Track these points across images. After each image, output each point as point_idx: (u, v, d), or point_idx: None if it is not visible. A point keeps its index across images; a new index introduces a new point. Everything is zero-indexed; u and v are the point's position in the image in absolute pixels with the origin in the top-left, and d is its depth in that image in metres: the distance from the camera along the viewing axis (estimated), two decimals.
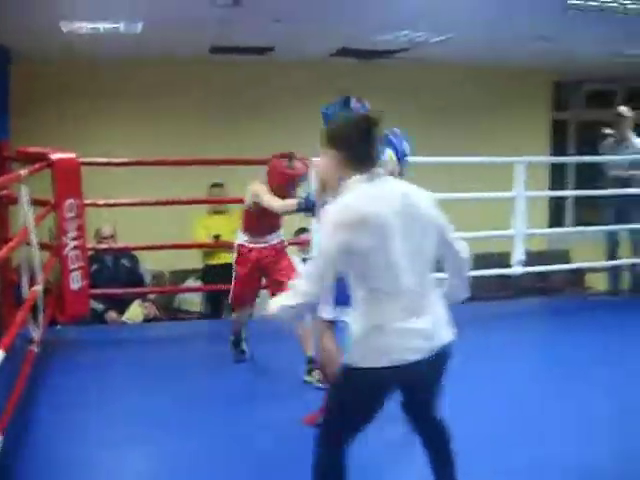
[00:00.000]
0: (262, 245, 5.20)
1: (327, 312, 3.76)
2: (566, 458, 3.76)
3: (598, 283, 8.75)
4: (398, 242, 2.66)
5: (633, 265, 7.74)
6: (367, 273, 2.68)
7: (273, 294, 4.88)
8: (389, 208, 2.70)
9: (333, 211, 2.72)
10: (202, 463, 3.73)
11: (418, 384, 2.84)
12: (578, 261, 9.29)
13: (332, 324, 3.80)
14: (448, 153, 7.79)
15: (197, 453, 3.85)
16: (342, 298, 3.18)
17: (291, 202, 4.76)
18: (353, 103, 3.71)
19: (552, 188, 10.96)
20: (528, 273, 7.47)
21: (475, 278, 6.03)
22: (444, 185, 7.00)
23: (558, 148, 11.55)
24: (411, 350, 2.66)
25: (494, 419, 4.27)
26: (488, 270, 7.23)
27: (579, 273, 10.17)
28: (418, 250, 2.73)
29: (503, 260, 7.55)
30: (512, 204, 7.18)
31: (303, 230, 7.07)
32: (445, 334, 2.77)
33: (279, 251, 5.26)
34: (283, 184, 4.96)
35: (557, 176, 11.36)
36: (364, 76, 9.50)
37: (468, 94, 10.28)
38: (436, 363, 2.75)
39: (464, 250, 2.96)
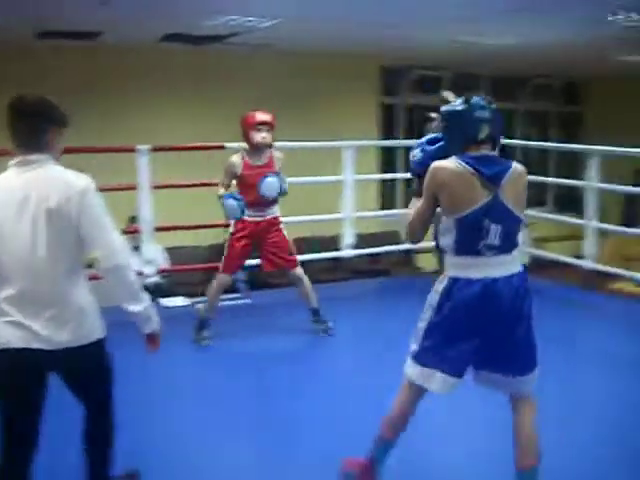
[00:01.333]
0: (258, 219, 5.65)
1: None
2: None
3: (428, 263, 8.94)
4: (6, 235, 2.76)
5: None
6: None
7: (266, 270, 5.86)
8: (10, 200, 2.75)
9: None
10: None
11: (45, 372, 2.89)
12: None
13: None
14: (281, 139, 7.75)
15: None
16: None
17: None
18: None
19: (382, 171, 11.14)
20: (360, 255, 7.54)
21: (307, 262, 6.06)
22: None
23: (387, 132, 11.75)
24: (17, 337, 2.76)
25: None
26: (319, 254, 7.27)
27: (409, 254, 10.40)
28: (34, 245, 2.76)
29: (335, 243, 7.61)
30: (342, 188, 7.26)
31: (134, 219, 6.96)
32: (67, 335, 2.83)
33: (273, 224, 5.71)
34: None
35: (387, 159, 11.57)
36: (195, 62, 9.37)
37: (299, 79, 10.27)
38: (65, 360, 2.85)
39: (112, 256, 2.91)
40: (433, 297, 3.23)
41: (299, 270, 5.83)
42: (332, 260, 7.85)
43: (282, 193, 5.60)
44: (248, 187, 5.54)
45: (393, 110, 12.27)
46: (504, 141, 7.70)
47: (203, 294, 6.11)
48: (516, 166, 3.17)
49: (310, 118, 10.34)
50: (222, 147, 6.72)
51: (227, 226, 5.77)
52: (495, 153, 3.19)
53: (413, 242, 3.41)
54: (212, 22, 7.78)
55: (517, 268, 3.15)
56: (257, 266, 6.04)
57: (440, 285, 3.22)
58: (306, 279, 5.84)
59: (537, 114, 14.25)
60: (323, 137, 8.14)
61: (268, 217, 5.68)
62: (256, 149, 5.58)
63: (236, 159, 5.62)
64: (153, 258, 6.89)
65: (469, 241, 3.10)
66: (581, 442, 3.87)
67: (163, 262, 7.89)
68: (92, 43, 8.73)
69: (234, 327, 5.99)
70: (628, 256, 10.83)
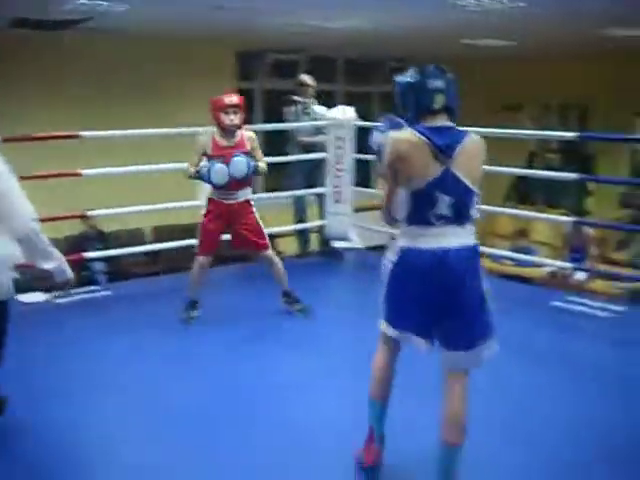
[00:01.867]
0: (231, 201, 5.61)
1: None
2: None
3: (289, 247, 8.97)
4: None
5: (320, 227, 8.00)
6: None
7: (236, 246, 5.87)
8: None
9: None
10: None
11: None
12: (269, 226, 9.47)
13: None
14: (132, 127, 7.60)
15: None
16: None
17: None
18: None
19: None
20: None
21: (165, 251, 5.98)
22: (129, 158, 6.92)
23: (245, 117, 11.70)
24: None
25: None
26: (179, 241, 7.21)
27: (271, 238, 10.40)
28: None
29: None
30: None
31: None
32: None
33: (245, 207, 5.68)
34: None
35: None
36: (45, 49, 9.10)
37: (153, 66, 10.14)
38: None
39: (24, 224, 3.44)
40: (387, 267, 3.20)
41: (270, 252, 5.85)
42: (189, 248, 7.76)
43: (255, 172, 5.62)
44: None
45: (250, 95, 12.23)
46: (361, 123, 7.95)
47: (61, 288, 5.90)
48: (472, 136, 3.13)
49: (164, 105, 10.22)
50: (77, 136, 6.51)
51: (83, 217, 5.58)
52: (451, 124, 3.13)
53: (390, 223, 3.26)
54: (62, 7, 7.54)
55: (470, 241, 3.12)
56: (227, 241, 5.91)
57: (392, 255, 3.18)
58: (278, 261, 5.89)
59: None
60: (178, 124, 8.02)
61: (240, 200, 5.66)
62: (226, 131, 5.58)
63: (205, 139, 5.60)
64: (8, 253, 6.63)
65: (420, 211, 3.06)
66: None
67: (20, 257, 7.60)
68: None
69: (96, 320, 5.83)
70: (500, 234, 11.25)
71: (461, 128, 3.15)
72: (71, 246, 8.75)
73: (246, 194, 5.71)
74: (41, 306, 6.18)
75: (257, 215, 5.79)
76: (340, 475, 3.48)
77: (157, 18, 8.51)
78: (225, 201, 5.62)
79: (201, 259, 5.69)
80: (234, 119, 5.57)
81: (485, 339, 3.18)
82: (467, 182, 3.06)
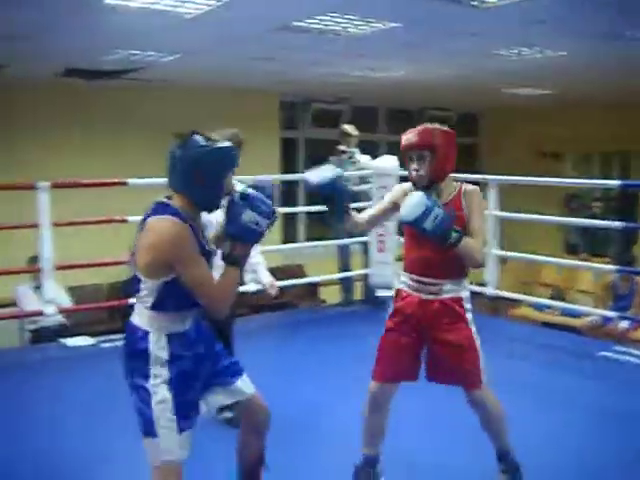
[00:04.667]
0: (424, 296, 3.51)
1: None
2: None
3: (332, 295, 8.98)
4: None
5: (364, 276, 8.01)
6: None
7: (429, 372, 3.57)
8: None
9: None
10: None
11: None
12: (312, 275, 9.52)
13: None
14: None
15: None
16: None
17: None
18: None
19: (284, 205, 11.18)
20: (263, 289, 7.52)
21: None
22: None
23: (288, 165, 11.83)
24: None
25: None
26: None
27: (313, 287, 10.45)
28: None
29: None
30: None
31: (35, 259, 6.79)
32: None
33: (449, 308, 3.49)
34: None
35: (289, 193, 11.63)
36: (94, 97, 9.30)
37: (200, 115, 10.28)
38: None
39: None
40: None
41: (480, 392, 3.50)
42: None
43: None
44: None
45: (293, 144, 12.36)
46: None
47: (106, 332, 5.98)
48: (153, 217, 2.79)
49: None
50: (124, 184, 6.62)
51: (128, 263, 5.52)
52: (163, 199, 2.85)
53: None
54: (113, 57, 7.70)
55: None
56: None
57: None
58: (490, 405, 3.52)
59: None
60: None
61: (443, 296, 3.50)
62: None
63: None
64: (54, 297, 6.73)
65: None
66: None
67: (64, 301, 7.72)
68: None
69: None
70: (525, 280, 11.16)
71: (166, 202, 2.81)
72: (115, 292, 8.88)
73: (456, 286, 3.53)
74: (87, 350, 6.26)
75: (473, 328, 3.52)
76: None
77: (203, 68, 8.65)
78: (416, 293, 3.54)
79: (373, 386, 3.59)
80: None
81: None
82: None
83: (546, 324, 9.28)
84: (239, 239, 2.81)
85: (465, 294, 3.51)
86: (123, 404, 4.83)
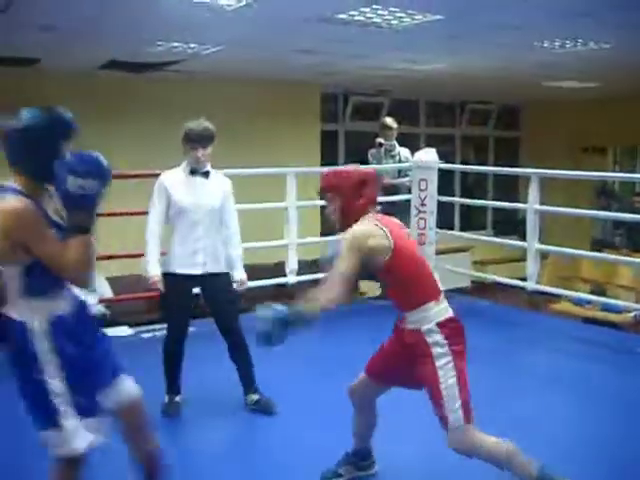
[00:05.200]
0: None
1: None
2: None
3: (372, 288, 8.97)
4: None
5: None
6: None
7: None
8: None
9: None
10: None
11: None
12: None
13: None
14: (226, 165, 7.79)
15: None
16: None
17: None
18: None
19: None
20: (303, 281, 7.55)
21: (251, 289, 6.04)
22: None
23: (329, 158, 11.83)
24: None
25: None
26: (263, 280, 7.27)
27: None
28: None
29: (279, 270, 7.61)
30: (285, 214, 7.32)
31: None
32: None
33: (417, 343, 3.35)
34: None
35: None
36: (133, 90, 9.35)
37: (242, 108, 10.33)
38: None
39: None
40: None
41: (453, 435, 3.24)
42: (276, 287, 7.81)
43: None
44: None
45: (334, 137, 12.37)
46: (444, 166, 7.99)
47: (147, 323, 6.04)
48: None
49: (253, 145, 10.37)
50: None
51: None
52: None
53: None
54: (155, 49, 7.76)
55: None
56: None
57: None
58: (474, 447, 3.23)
59: (475, 139, 14.48)
60: (266, 164, 8.16)
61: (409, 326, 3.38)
62: None
63: None
64: (96, 288, 6.81)
65: None
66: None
67: (107, 292, 7.81)
68: (29, 70, 8.67)
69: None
70: (565, 275, 11.06)
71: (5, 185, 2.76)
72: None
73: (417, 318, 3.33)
74: (126, 340, 6.32)
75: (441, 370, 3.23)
76: None
77: (245, 60, 8.67)
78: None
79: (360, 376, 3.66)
80: None
81: None
82: None
83: (586, 319, 9.20)
84: (72, 207, 2.68)
85: (427, 326, 3.25)
86: (162, 395, 4.94)
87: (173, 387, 4.77)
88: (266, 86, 10.37)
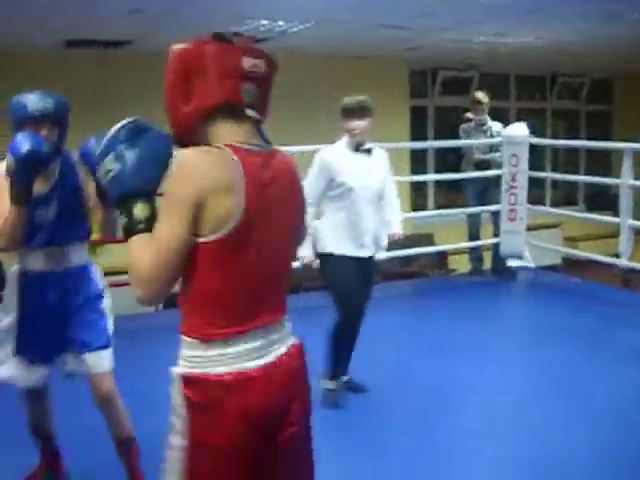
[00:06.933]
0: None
1: None
2: None
3: (462, 265, 8.97)
4: None
5: (494, 245, 7.96)
6: None
7: None
8: None
9: None
10: None
11: None
12: (441, 244, 9.51)
13: None
14: (317, 142, 7.86)
15: None
16: None
17: None
18: None
19: (413, 173, 11.18)
20: (393, 258, 7.58)
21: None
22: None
23: (418, 133, 11.81)
24: None
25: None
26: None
27: (443, 256, 10.43)
28: None
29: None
30: None
31: None
32: None
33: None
34: None
35: (418, 161, 11.63)
36: None
37: (330, 84, 10.38)
38: None
39: None
40: None
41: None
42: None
43: None
44: None
45: (423, 112, 12.33)
46: (535, 140, 7.90)
47: None
48: None
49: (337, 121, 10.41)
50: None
51: None
52: None
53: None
54: (242, 28, 7.85)
55: None
56: None
57: None
58: None
59: (566, 113, 14.24)
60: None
61: None
62: None
63: None
64: None
65: None
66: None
67: None
68: (121, 51, 8.90)
69: None
70: None
71: None
72: None
73: None
74: None
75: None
76: None
77: (332, 36, 8.69)
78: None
79: None
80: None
81: None
82: None
83: None
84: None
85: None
86: None
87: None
88: (353, 62, 10.37)
